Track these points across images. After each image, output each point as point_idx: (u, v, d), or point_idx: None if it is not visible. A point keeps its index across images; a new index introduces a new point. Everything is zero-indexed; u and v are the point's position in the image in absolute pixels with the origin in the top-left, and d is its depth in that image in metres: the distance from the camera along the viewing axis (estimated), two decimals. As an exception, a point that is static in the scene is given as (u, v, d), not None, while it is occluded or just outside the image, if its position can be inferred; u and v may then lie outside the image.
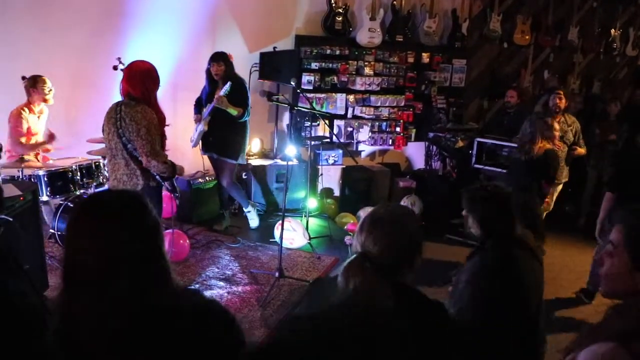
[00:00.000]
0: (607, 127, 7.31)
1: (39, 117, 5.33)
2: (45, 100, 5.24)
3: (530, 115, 5.93)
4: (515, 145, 5.64)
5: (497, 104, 8.60)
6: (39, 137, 5.37)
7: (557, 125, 5.19)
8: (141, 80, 3.86)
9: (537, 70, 9.28)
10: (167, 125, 4.12)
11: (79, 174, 5.22)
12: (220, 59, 5.71)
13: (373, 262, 1.88)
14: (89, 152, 5.38)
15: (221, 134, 5.81)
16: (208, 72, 5.78)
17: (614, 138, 7.15)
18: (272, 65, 6.77)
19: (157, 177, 3.97)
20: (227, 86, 5.50)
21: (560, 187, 6.30)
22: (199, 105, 5.97)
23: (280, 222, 5.24)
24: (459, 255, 5.61)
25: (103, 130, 3.98)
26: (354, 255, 1.93)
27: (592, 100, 8.98)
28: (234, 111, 5.64)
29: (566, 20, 9.22)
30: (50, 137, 5.36)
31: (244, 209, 6.36)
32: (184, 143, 6.19)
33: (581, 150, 6.21)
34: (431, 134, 7.84)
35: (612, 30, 9.75)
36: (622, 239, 1.69)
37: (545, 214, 6.37)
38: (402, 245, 1.92)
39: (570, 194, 7.39)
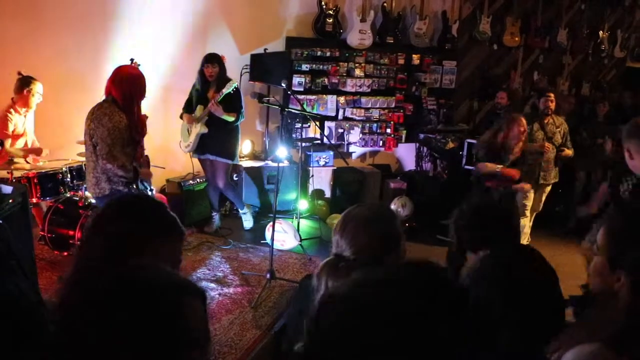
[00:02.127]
0: (595, 129, 7.37)
1: (25, 115, 5.29)
2: (27, 105, 5.20)
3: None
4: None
5: (487, 105, 8.65)
6: (27, 137, 5.34)
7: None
8: (126, 84, 3.88)
9: (526, 72, 9.34)
10: (144, 134, 4.11)
11: (69, 175, 5.19)
12: (215, 60, 5.72)
13: (348, 263, 1.86)
14: (79, 154, 5.36)
15: (217, 135, 5.80)
16: (201, 72, 5.77)
17: (601, 142, 7.21)
18: (262, 67, 6.77)
19: (123, 181, 3.96)
20: (232, 86, 5.58)
21: (549, 188, 6.34)
22: (188, 106, 5.94)
23: (271, 223, 5.25)
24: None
25: None
26: (330, 257, 1.93)
27: (580, 101, 9.06)
28: (229, 118, 5.68)
29: (555, 22, 9.29)
30: (37, 152, 5.31)
31: (239, 210, 6.37)
32: (176, 146, 6.18)
33: (569, 152, 6.26)
34: (422, 135, 7.88)
35: (600, 32, 9.84)
36: (602, 240, 1.73)
37: (534, 214, 6.44)
38: (375, 244, 1.89)
39: (560, 194, 7.45)
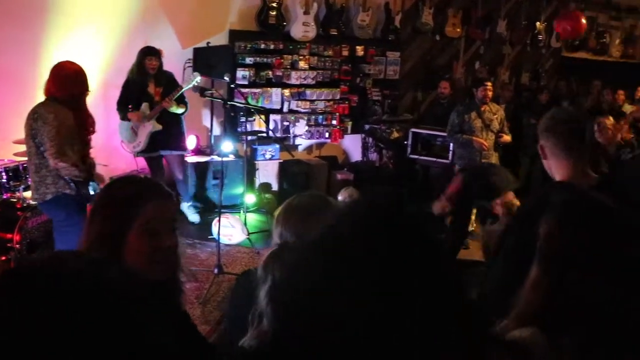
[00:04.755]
0: (539, 116, 7.59)
1: None
2: None
3: (457, 106, 6.15)
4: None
5: (430, 95, 8.79)
6: None
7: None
8: (68, 82, 3.73)
9: (468, 62, 9.53)
10: (92, 132, 4.01)
11: (5, 176, 5.02)
12: (157, 53, 5.68)
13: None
14: (16, 154, 5.19)
15: (170, 129, 5.78)
16: (141, 66, 5.67)
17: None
18: (205, 60, 6.69)
19: (72, 183, 3.79)
20: (197, 78, 5.61)
21: (491, 174, 6.50)
22: (125, 104, 5.81)
23: (217, 218, 5.23)
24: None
25: None
26: (273, 247, 1.95)
27: (520, 90, 9.31)
28: (180, 110, 5.68)
29: (494, 13, 9.50)
30: None
31: (184, 202, 6.33)
32: (118, 142, 6.06)
33: (507, 138, 6.42)
34: (367, 126, 7.96)
35: (538, 23, 10.11)
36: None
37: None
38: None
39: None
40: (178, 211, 1.70)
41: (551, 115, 2.54)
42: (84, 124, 3.85)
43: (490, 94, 6.27)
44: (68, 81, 3.74)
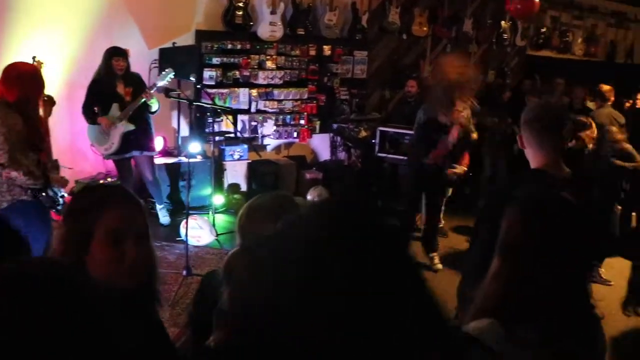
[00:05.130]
0: (500, 113, 7.72)
1: None
2: None
3: (424, 104, 6.18)
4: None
5: (398, 94, 8.84)
6: None
7: None
8: (21, 84, 3.53)
9: (435, 61, 9.60)
10: (43, 139, 3.89)
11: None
12: (124, 53, 5.63)
13: None
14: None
15: (141, 129, 5.74)
16: (109, 66, 5.60)
17: (510, 122, 7.56)
18: (171, 61, 6.62)
19: (29, 190, 3.60)
20: (171, 73, 5.59)
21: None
22: (91, 107, 5.72)
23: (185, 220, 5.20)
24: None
25: None
26: (236, 247, 1.95)
27: (486, 88, 9.42)
28: (156, 105, 5.65)
29: (460, 12, 9.61)
30: None
31: (157, 204, 6.28)
32: (84, 144, 5.98)
33: (474, 135, 6.49)
34: (335, 125, 7.99)
35: (503, 22, 10.25)
36: None
37: (445, 199, 6.67)
38: None
39: (470, 177, 7.76)
40: (146, 218, 1.63)
41: (532, 109, 2.69)
42: (36, 129, 3.63)
43: None
44: (18, 80, 3.54)
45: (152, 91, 5.63)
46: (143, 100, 5.59)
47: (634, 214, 6.29)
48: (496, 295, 1.69)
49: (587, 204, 2.52)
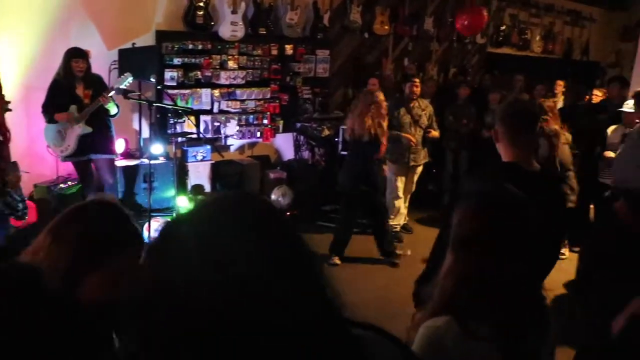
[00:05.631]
0: (457, 111, 7.83)
1: None
2: None
3: (387, 102, 6.25)
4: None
5: (361, 92, 8.87)
6: None
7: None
8: None
9: (397, 59, 9.70)
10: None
11: None
12: (84, 55, 5.54)
13: None
14: None
15: (99, 132, 5.65)
16: (68, 68, 5.51)
17: (465, 122, 7.68)
18: (131, 62, 6.56)
19: None
20: (130, 78, 5.50)
21: (420, 168, 6.65)
22: (52, 106, 5.64)
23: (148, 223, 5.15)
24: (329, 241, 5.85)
25: None
26: None
27: (446, 85, 9.56)
28: (115, 109, 5.57)
29: (421, 11, 9.71)
30: None
31: None
32: (42, 147, 5.87)
33: (435, 133, 6.58)
34: (298, 125, 8.00)
35: (463, 20, 10.38)
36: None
37: (408, 195, 6.74)
38: None
39: (434, 174, 7.89)
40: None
41: (508, 105, 2.79)
42: None
43: (417, 90, 6.41)
44: None
45: (110, 95, 5.54)
46: (101, 103, 5.51)
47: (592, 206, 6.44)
48: (451, 291, 1.72)
49: (554, 199, 2.59)
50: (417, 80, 6.57)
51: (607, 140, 5.90)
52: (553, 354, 2.08)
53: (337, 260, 5.81)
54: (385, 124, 5.64)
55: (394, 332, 1.10)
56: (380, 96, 5.66)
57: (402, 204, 6.60)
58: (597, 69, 13.77)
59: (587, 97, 8.30)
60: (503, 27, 11.44)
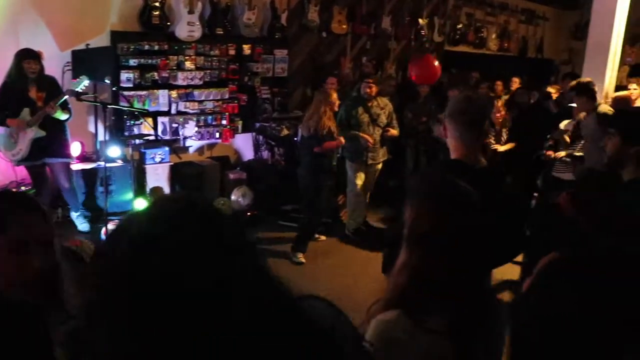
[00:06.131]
0: (417, 109, 7.92)
1: None
2: None
3: (345, 101, 6.29)
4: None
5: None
6: None
7: None
8: None
9: (356, 58, 9.75)
10: None
11: None
12: (37, 56, 5.44)
13: None
14: None
15: (54, 135, 5.55)
16: (20, 69, 5.39)
17: (424, 120, 7.78)
18: (86, 63, 6.45)
19: None
20: (85, 80, 5.55)
21: (379, 166, 6.68)
22: (2, 109, 5.50)
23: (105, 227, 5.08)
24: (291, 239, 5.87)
25: None
26: None
27: (405, 83, 9.65)
28: (65, 115, 5.47)
29: (379, 10, 9.78)
30: None
31: (73, 212, 6.11)
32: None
33: (394, 132, 6.59)
34: (257, 125, 7.98)
35: (420, 19, 10.51)
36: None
37: (368, 194, 6.78)
38: None
39: (393, 170, 7.96)
40: (52, 227, 1.60)
41: (457, 101, 2.77)
42: None
43: (371, 90, 6.39)
44: None
45: (60, 101, 5.44)
46: (46, 113, 5.43)
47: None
48: (403, 285, 1.74)
49: (501, 194, 2.64)
50: (370, 80, 6.55)
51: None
52: (504, 344, 2.12)
53: (301, 258, 5.83)
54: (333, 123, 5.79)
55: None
56: (334, 95, 5.75)
57: (361, 201, 6.64)
58: (551, 66, 14.13)
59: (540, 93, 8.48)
60: (459, 26, 11.62)
